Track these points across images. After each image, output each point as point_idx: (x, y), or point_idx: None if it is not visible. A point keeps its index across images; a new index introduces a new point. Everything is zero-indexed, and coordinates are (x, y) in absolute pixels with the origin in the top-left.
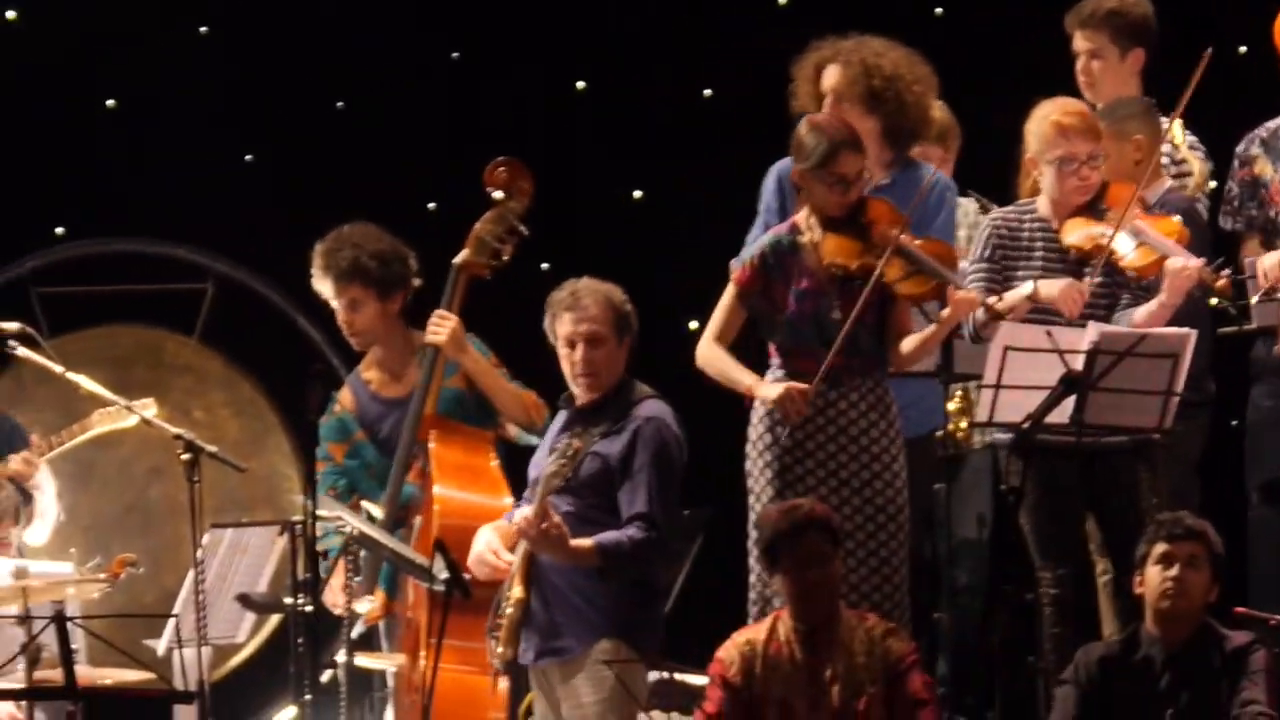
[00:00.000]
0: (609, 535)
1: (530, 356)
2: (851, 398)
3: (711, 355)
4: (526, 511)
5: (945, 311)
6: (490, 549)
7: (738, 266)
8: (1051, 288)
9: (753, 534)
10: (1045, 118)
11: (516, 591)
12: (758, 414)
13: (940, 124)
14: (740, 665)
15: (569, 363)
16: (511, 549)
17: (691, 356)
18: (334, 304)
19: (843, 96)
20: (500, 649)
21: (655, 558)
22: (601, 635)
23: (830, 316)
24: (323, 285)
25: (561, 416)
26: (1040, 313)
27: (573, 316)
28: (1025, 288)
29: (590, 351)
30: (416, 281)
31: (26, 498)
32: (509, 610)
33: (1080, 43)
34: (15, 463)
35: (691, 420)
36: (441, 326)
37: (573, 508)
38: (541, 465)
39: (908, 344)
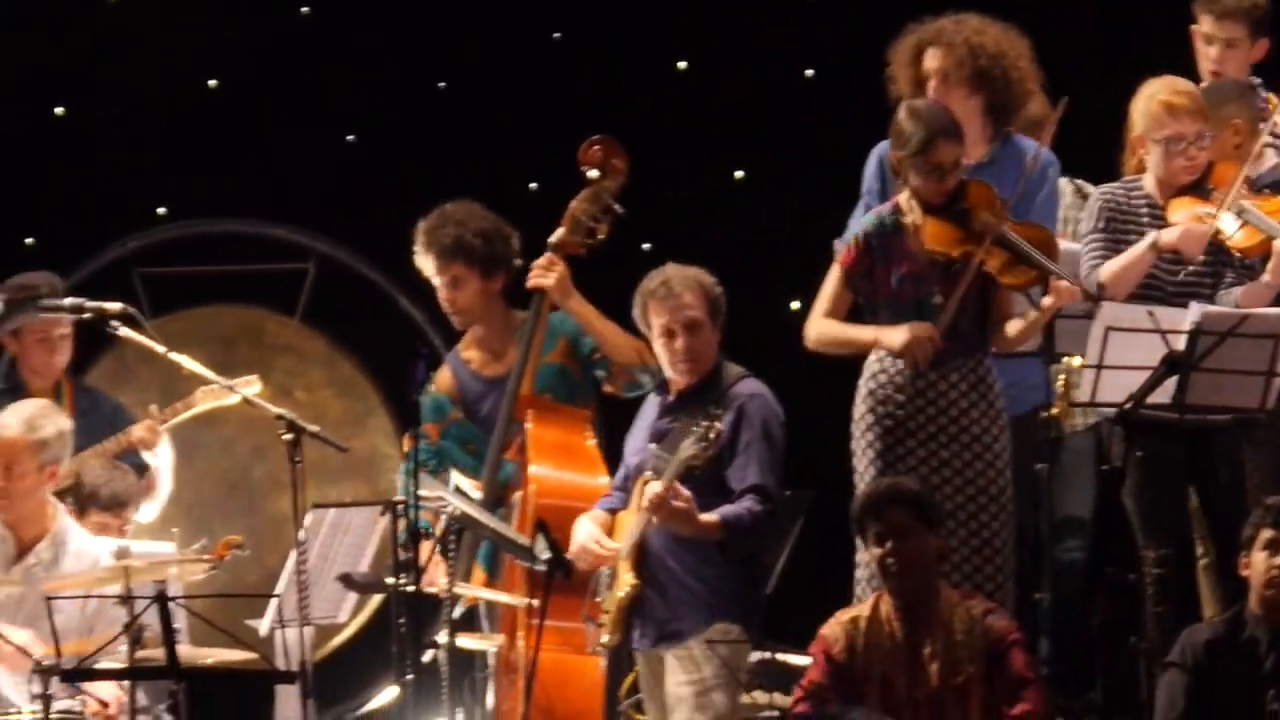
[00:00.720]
0: (730, 508)
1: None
2: (952, 379)
3: (823, 326)
4: (656, 487)
5: (1046, 300)
6: (592, 539)
7: (842, 247)
8: (1171, 234)
9: None
10: (1153, 97)
11: (628, 579)
12: (861, 394)
13: (1035, 103)
14: (844, 642)
15: (669, 352)
16: (610, 535)
17: (795, 337)
18: (436, 282)
19: (948, 78)
20: (606, 636)
21: (769, 529)
22: (715, 617)
23: (931, 301)
24: (425, 263)
25: (654, 401)
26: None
27: (669, 306)
28: (1145, 240)
29: (690, 339)
30: (518, 261)
31: (142, 470)
32: (620, 596)
33: (1215, 31)
34: (139, 430)
35: (795, 401)
36: (549, 271)
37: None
38: (639, 449)
39: (1010, 329)
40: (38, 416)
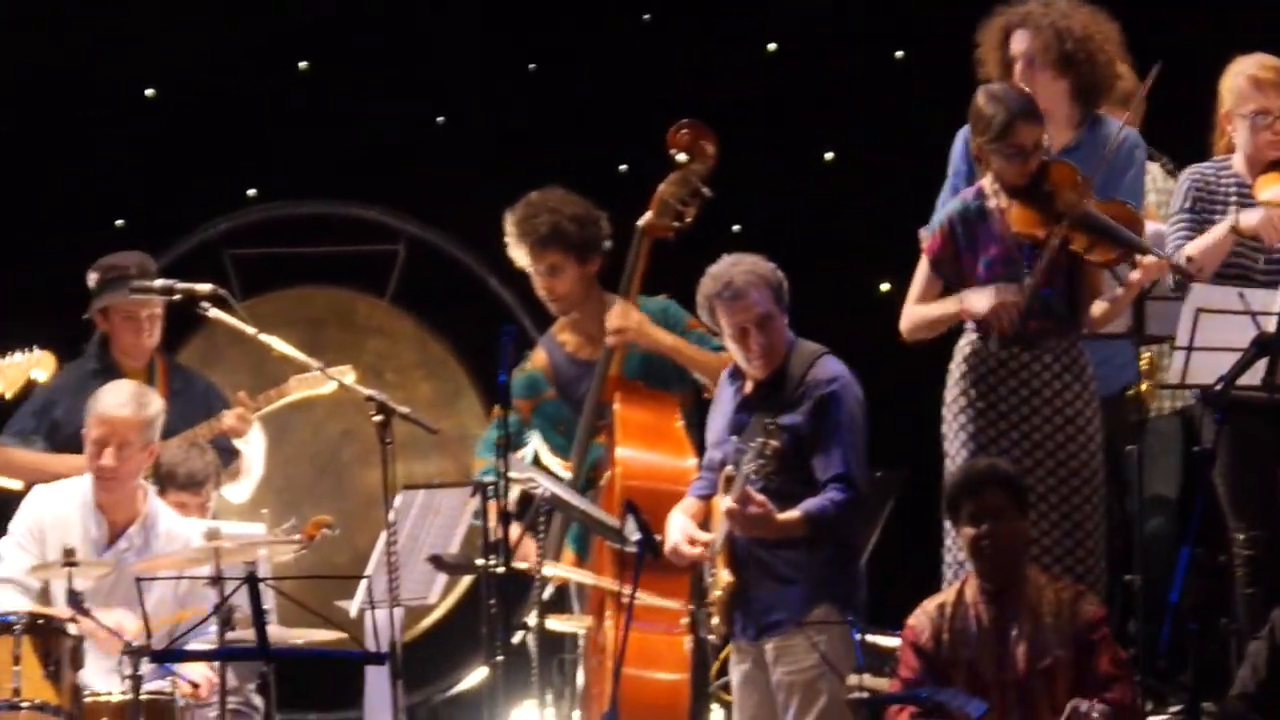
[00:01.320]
0: (813, 502)
1: None
2: (1045, 359)
3: (913, 313)
4: (728, 502)
5: (1133, 275)
6: (686, 536)
7: (927, 235)
8: (1251, 217)
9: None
10: (1240, 73)
11: (725, 575)
12: (953, 376)
13: (1124, 86)
14: (930, 631)
15: (743, 349)
16: (703, 523)
17: (884, 318)
18: (531, 271)
19: (1035, 61)
20: (715, 620)
21: (856, 517)
22: (812, 604)
23: (1023, 283)
24: (519, 253)
25: (729, 389)
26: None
27: (739, 306)
28: (1225, 222)
29: (762, 334)
30: (608, 243)
31: (231, 455)
32: (718, 593)
33: None
34: (229, 418)
35: (885, 382)
36: (622, 330)
37: (767, 483)
38: (719, 439)
39: (1097, 308)
40: (142, 395)
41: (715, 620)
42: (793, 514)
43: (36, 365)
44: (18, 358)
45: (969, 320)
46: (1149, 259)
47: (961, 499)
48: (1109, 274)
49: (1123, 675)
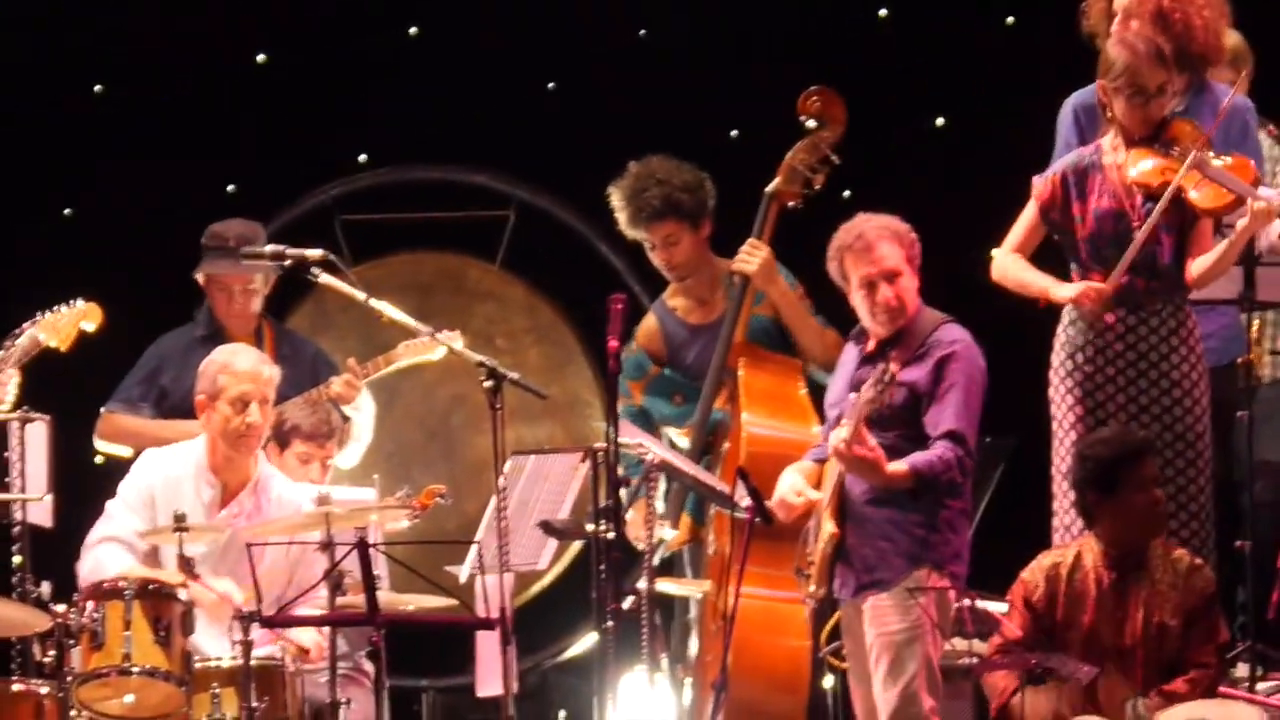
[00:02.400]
0: (921, 456)
1: (826, 284)
2: (1151, 323)
3: (1007, 262)
4: (842, 434)
5: (1241, 222)
6: (794, 490)
7: (1040, 183)
8: None
9: (1057, 461)
10: None
11: (829, 527)
12: (1059, 342)
13: (1233, 49)
14: (1044, 588)
15: (868, 303)
16: (816, 487)
17: (994, 286)
18: (645, 243)
19: (1131, 14)
20: (813, 587)
21: (965, 476)
22: (916, 565)
23: (1132, 237)
24: (633, 227)
25: (853, 351)
26: None
27: (867, 258)
28: None
29: (890, 289)
30: (712, 203)
31: (342, 420)
32: (821, 546)
33: None
34: (337, 385)
35: (994, 348)
36: (753, 256)
37: (880, 439)
38: (839, 400)
39: (1203, 260)
40: (261, 354)
41: (812, 586)
42: (899, 466)
43: (84, 317)
44: (64, 311)
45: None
46: (1258, 205)
47: (1124, 467)
48: (1218, 237)
49: (1213, 663)
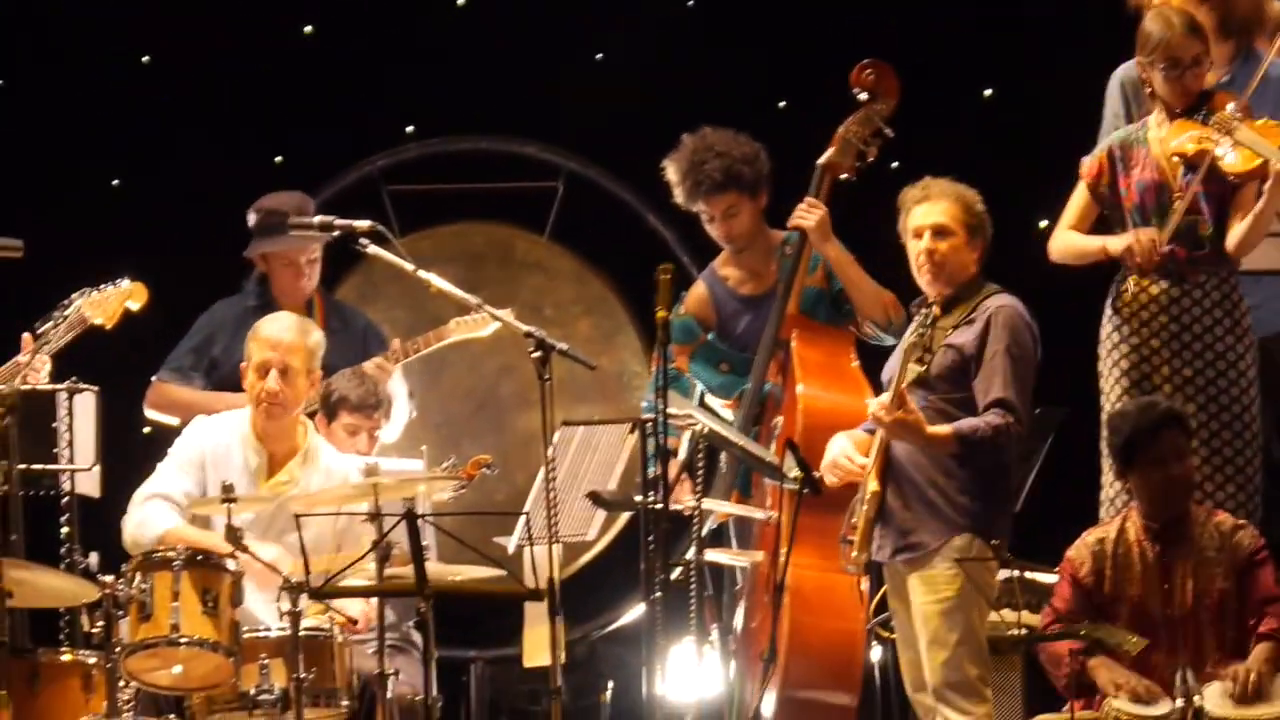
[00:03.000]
0: (967, 421)
1: (877, 255)
2: (1195, 295)
3: (1061, 240)
4: (883, 399)
5: (1268, 185)
6: (844, 454)
7: (1088, 161)
8: None
9: (1104, 433)
10: None
11: (871, 485)
12: (1107, 314)
13: (1278, 17)
14: (1091, 565)
15: (913, 254)
16: (866, 454)
17: (1043, 254)
18: (704, 216)
19: None
20: (855, 553)
21: (1013, 443)
22: (955, 531)
23: (1172, 207)
24: (693, 200)
25: (915, 323)
26: None
27: (921, 210)
28: None
29: (935, 241)
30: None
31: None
32: (863, 508)
33: None
34: (369, 368)
35: (1044, 318)
36: (810, 213)
37: (928, 402)
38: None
39: (1237, 229)
40: (306, 324)
41: (855, 552)
42: (943, 429)
43: (130, 297)
44: (109, 289)
45: (1113, 258)
46: (1278, 166)
47: (1140, 441)
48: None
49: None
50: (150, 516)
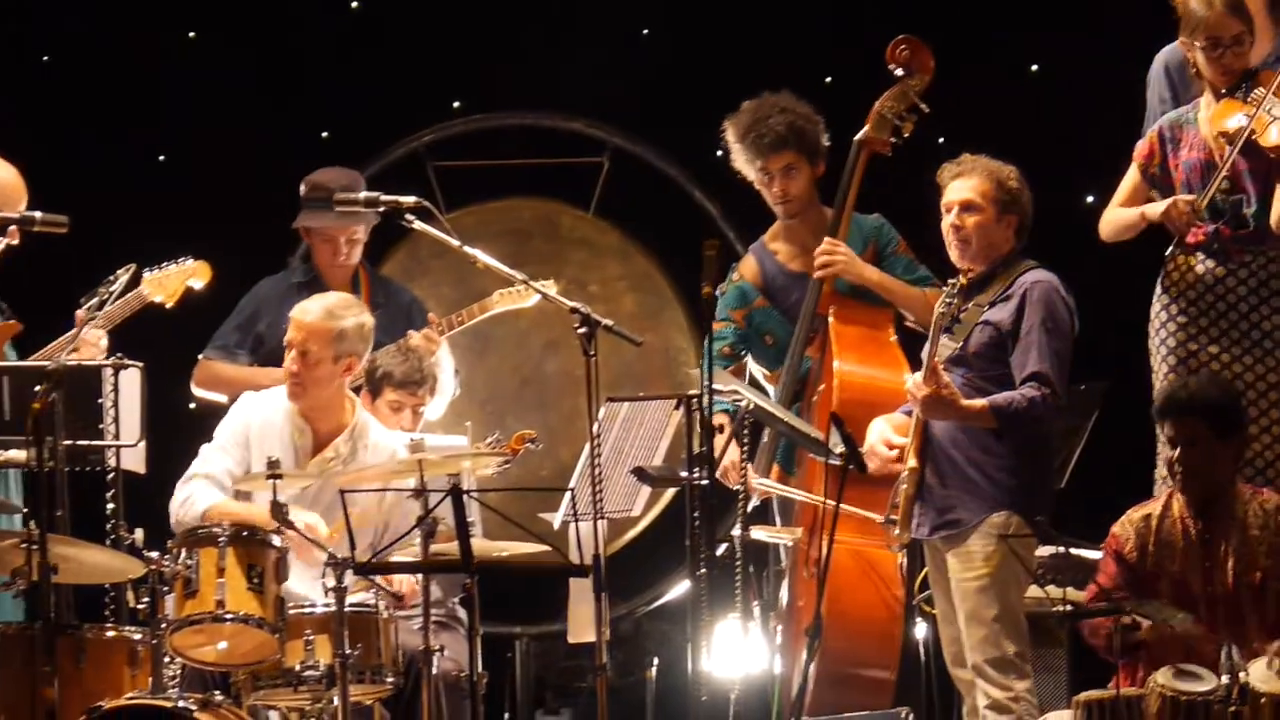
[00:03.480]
0: (1002, 394)
1: (923, 229)
2: (1240, 274)
3: (1107, 217)
4: (918, 377)
5: None
6: (882, 439)
7: (1140, 144)
8: None
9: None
10: None
11: (910, 462)
12: (1157, 292)
13: None
14: (1135, 541)
15: (945, 228)
16: (905, 436)
17: (1090, 230)
18: (762, 176)
19: None
20: (896, 531)
21: (1050, 417)
22: (993, 508)
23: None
24: (755, 156)
25: (943, 295)
26: None
27: (955, 185)
28: None
29: (963, 217)
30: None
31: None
32: (904, 486)
33: None
34: (416, 338)
35: (1092, 293)
36: (834, 257)
37: (965, 379)
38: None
39: (1277, 204)
40: (339, 307)
41: (896, 531)
42: (978, 403)
43: (192, 275)
44: (172, 268)
45: (1152, 224)
46: None
47: (1162, 421)
48: None
49: None
50: (194, 495)
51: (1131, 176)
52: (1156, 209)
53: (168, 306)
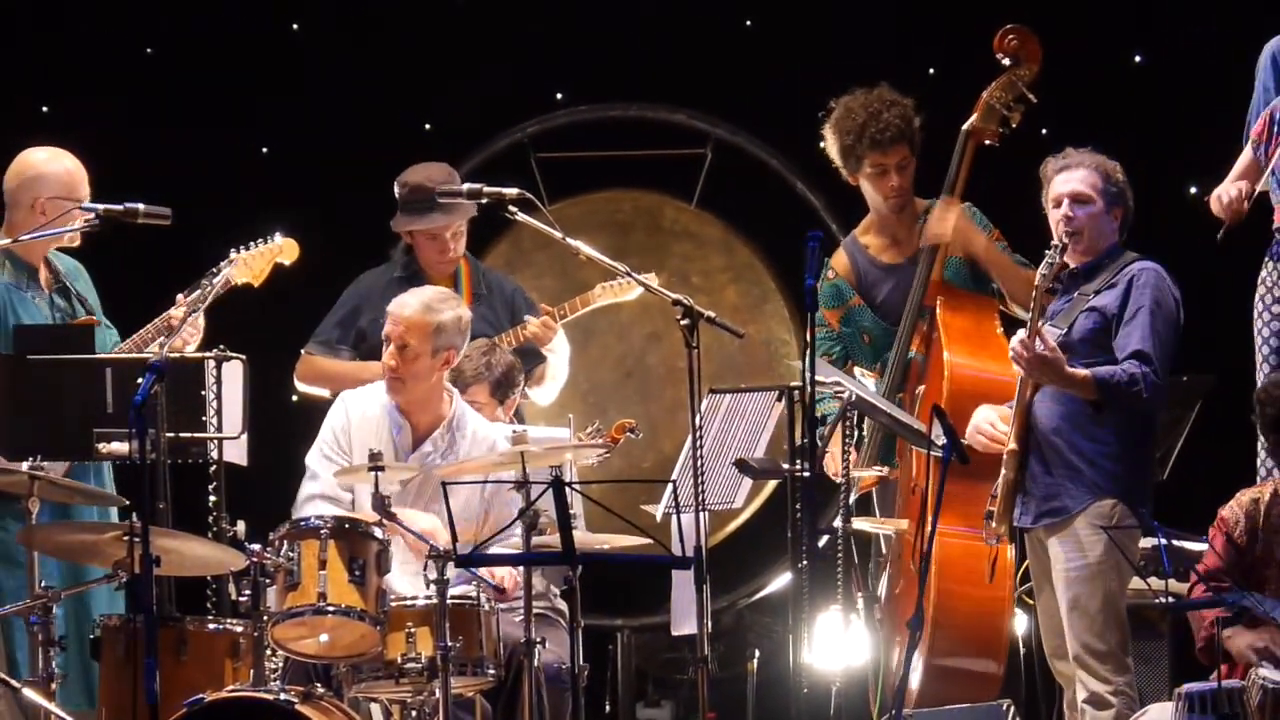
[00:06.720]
0: (1105, 368)
1: (1024, 221)
2: None
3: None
4: (1021, 334)
5: None
6: (987, 422)
7: (1256, 121)
8: None
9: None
10: None
11: (1011, 446)
12: (1260, 278)
13: None
14: (1245, 525)
15: (1053, 222)
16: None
17: (1193, 221)
18: (877, 170)
19: None
20: (994, 524)
21: (1150, 396)
22: (1098, 496)
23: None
24: (870, 151)
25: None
26: None
27: (1062, 178)
28: None
29: (1074, 208)
30: None
31: (538, 360)
32: (1004, 472)
33: None
34: (534, 326)
35: (1196, 284)
36: (945, 218)
37: (1069, 364)
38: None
39: None
40: (437, 300)
41: (993, 523)
42: (1081, 371)
43: (281, 253)
44: (260, 247)
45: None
46: None
47: (1265, 412)
48: None
49: None
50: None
51: (1245, 154)
52: (1214, 192)
53: (255, 286)
